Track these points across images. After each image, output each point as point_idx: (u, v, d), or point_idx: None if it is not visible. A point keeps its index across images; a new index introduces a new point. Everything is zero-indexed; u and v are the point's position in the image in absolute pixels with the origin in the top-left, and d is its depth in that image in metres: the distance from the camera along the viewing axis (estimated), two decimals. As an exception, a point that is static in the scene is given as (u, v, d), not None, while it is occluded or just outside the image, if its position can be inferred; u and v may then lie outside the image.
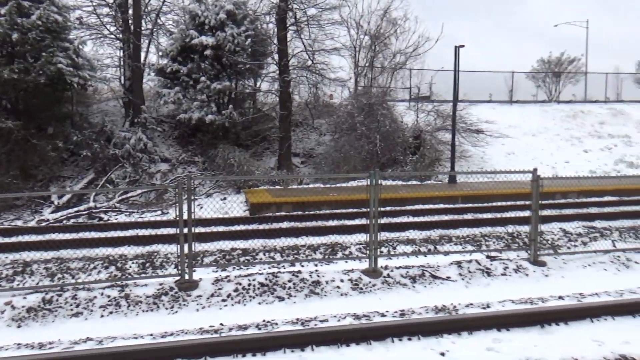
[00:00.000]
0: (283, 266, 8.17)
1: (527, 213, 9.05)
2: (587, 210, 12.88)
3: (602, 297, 6.42)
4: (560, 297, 6.45)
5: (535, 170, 8.14)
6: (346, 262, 8.26)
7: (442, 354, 4.71)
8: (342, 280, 7.20)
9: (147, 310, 6.46)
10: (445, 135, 20.10)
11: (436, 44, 22.81)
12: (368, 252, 7.59)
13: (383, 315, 5.89)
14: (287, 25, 19.01)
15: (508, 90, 30.14)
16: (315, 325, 5.52)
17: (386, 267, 7.63)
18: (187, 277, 7.04)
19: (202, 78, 18.39)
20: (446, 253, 8.66)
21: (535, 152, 22.70)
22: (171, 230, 9.39)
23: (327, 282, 7.13)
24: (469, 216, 11.95)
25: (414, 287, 7.20)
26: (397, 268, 7.61)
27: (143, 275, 7.80)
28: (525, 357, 4.59)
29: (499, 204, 13.37)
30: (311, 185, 16.35)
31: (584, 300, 6.26)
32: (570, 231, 10.46)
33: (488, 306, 6.07)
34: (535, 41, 70.68)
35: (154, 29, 21.67)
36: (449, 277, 7.46)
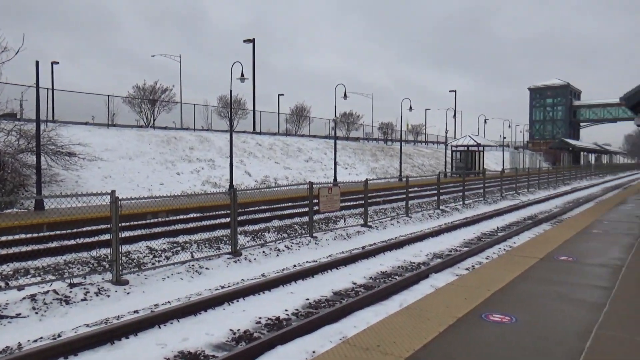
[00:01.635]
0: None
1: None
2: (174, 227, 14.06)
3: (173, 304, 7.10)
4: (136, 312, 6.77)
5: (113, 192, 8.33)
6: None
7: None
8: None
9: None
10: (32, 158, 18.13)
11: (17, 55, 19.91)
12: None
13: None
14: None
15: (110, 114, 30.09)
16: None
17: None
18: None
19: None
20: (20, 288, 7.74)
21: (133, 175, 23.34)
22: None
23: None
24: (54, 244, 11.11)
25: (-30, 334, 6.12)
26: (-52, 316, 6.32)
27: None
28: (88, 378, 4.58)
29: (91, 228, 13.00)
30: None
31: (156, 310, 6.75)
32: (156, 248, 11.16)
33: (60, 336, 5.77)
34: (133, 68, 73.29)
35: None
36: (19, 314, 6.71)
